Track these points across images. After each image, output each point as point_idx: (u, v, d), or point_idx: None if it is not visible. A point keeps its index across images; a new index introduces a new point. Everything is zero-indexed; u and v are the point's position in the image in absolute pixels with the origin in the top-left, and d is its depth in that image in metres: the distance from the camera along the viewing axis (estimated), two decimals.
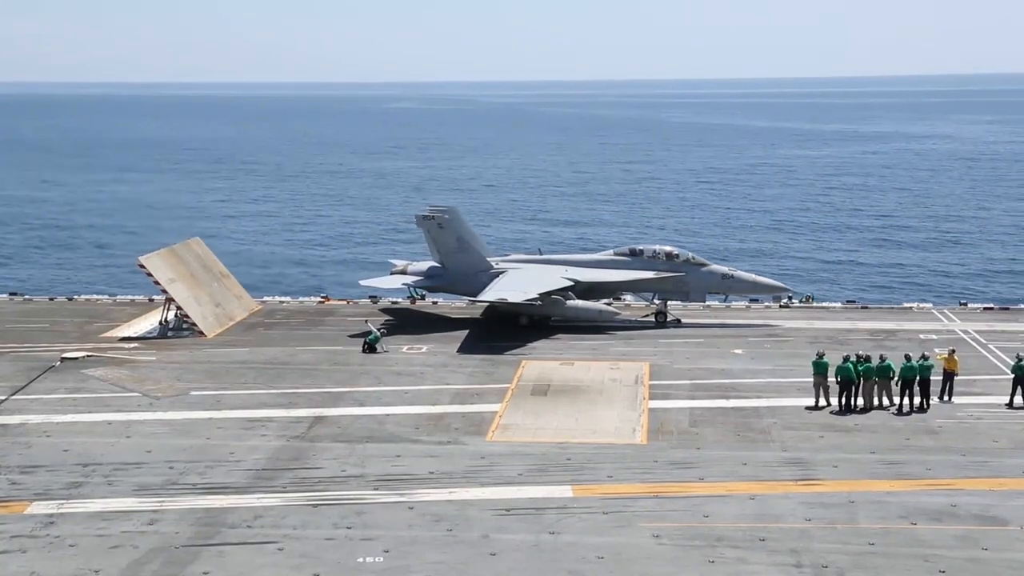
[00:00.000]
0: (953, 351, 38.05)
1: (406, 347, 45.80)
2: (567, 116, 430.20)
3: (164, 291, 49.19)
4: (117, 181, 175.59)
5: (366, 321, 48.05)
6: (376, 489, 29.12)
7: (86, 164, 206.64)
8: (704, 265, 51.66)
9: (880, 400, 36.30)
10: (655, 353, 44.47)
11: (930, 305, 55.65)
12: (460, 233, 52.79)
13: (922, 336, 46.72)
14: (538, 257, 54.93)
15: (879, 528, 26.26)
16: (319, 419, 35.57)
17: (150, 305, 54.19)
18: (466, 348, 45.71)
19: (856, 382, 36.09)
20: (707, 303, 53.72)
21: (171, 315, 49.78)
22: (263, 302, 56.63)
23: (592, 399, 37.85)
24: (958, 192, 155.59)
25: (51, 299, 58.70)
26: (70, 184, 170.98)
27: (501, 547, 25.33)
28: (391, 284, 54.68)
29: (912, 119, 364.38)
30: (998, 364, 41.77)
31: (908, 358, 36.57)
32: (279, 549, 25.33)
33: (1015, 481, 29.44)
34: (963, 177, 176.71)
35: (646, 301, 53.04)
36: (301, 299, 58.89)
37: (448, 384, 40.02)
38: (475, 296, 50.39)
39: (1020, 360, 36.81)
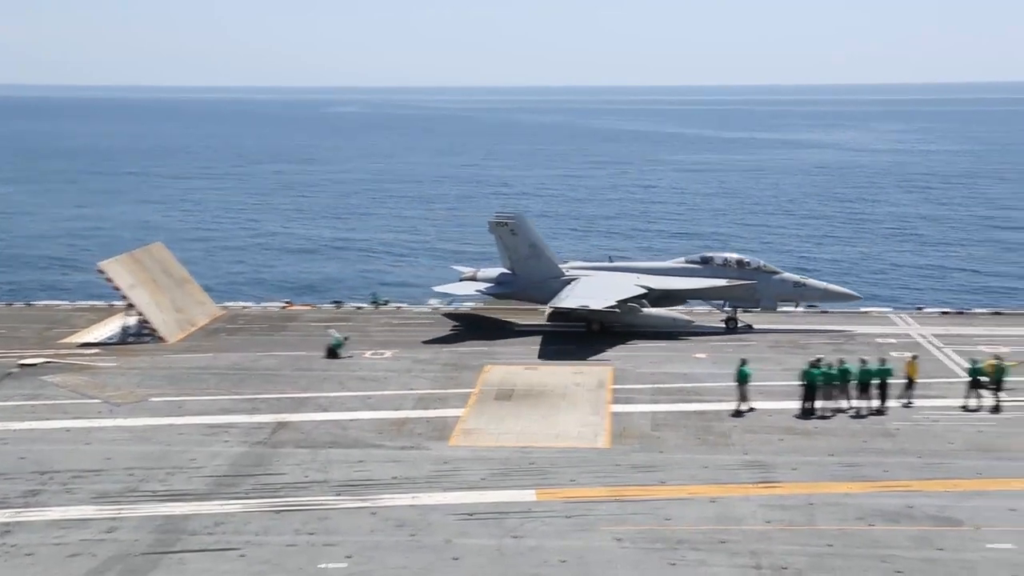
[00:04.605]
0: (915, 357, 38.77)
1: (369, 352, 45.72)
2: (489, 121, 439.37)
3: (124, 296, 48.77)
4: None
5: (328, 327, 47.95)
6: (339, 495, 29.06)
7: None
8: (776, 273, 51.60)
9: (839, 403, 36.74)
10: (618, 358, 44.70)
11: (888, 310, 56.41)
12: (532, 240, 52.64)
13: (879, 340, 47.31)
14: (607, 264, 54.79)
15: (837, 529, 26.61)
16: (282, 425, 35.43)
17: (110, 311, 53.73)
18: (430, 353, 45.71)
19: (818, 386, 36.53)
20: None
21: (132, 321, 49.39)
22: (225, 307, 56.31)
23: (555, 403, 37.97)
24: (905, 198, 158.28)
25: (9, 304, 57.99)
26: None
27: (464, 552, 25.39)
28: (464, 290, 54.15)
29: (819, 127, 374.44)
30: (953, 368, 42.40)
31: (864, 362, 37.12)
32: (241, 556, 25.23)
33: (969, 482, 29.92)
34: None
35: (715, 308, 52.42)
36: (264, 304, 58.66)
37: (412, 389, 40.00)
38: (545, 303, 50.30)
39: (975, 363, 37.50)
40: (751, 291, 51.13)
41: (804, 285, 51.42)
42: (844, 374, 36.68)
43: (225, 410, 37.21)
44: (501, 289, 53.27)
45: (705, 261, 52.55)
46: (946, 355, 44.69)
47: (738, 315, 51.31)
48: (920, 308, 57.20)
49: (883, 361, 37.59)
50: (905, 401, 37.30)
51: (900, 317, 53.08)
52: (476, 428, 35.25)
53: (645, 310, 49.74)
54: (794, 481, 30.08)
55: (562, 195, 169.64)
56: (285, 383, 40.80)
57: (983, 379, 37.16)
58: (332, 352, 44.77)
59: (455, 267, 58.24)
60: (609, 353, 45.50)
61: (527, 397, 38.77)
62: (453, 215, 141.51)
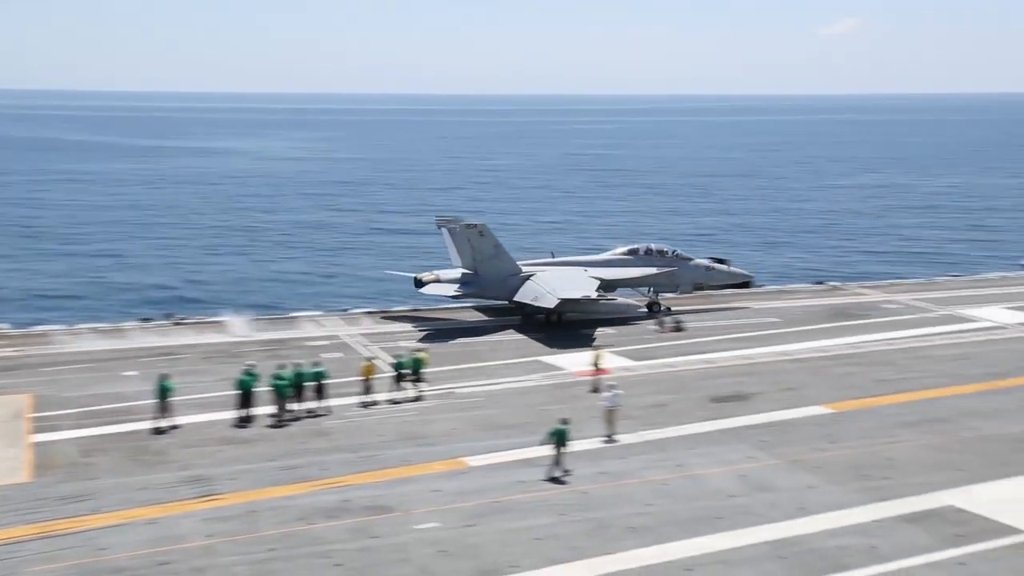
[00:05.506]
0: (371, 359, 40.88)
1: None
2: None
3: None
4: None
5: None
6: None
7: None
8: (690, 260, 57.88)
9: (279, 408, 37.16)
10: (38, 383, 41.13)
11: (318, 313, 58.09)
12: (496, 240, 54.31)
13: (311, 344, 48.91)
14: (552, 260, 57.65)
15: (279, 533, 27.02)
16: None
17: None
18: None
19: (253, 393, 36.64)
20: None
21: None
22: None
23: None
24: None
25: None
26: None
27: None
28: (441, 291, 54.73)
29: (238, 135, 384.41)
30: (380, 365, 45.02)
31: (299, 365, 38.14)
32: None
33: (397, 471, 32.07)
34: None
35: (641, 294, 57.98)
36: None
37: None
38: (508, 299, 53.80)
39: (398, 358, 40.44)
40: (673, 277, 57.54)
41: (713, 269, 58.36)
42: (279, 379, 37.22)
43: None
44: (466, 289, 54.76)
45: (632, 252, 58.02)
46: (373, 353, 47.43)
47: (660, 299, 57.34)
48: (346, 310, 59.85)
49: (316, 363, 38.91)
50: (364, 401, 38.88)
51: (329, 320, 55.24)
52: None
53: (605, 298, 53.90)
54: (235, 491, 29.97)
55: None
56: None
57: (405, 372, 40.14)
58: None
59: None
60: (26, 380, 41.65)
61: None
62: None
